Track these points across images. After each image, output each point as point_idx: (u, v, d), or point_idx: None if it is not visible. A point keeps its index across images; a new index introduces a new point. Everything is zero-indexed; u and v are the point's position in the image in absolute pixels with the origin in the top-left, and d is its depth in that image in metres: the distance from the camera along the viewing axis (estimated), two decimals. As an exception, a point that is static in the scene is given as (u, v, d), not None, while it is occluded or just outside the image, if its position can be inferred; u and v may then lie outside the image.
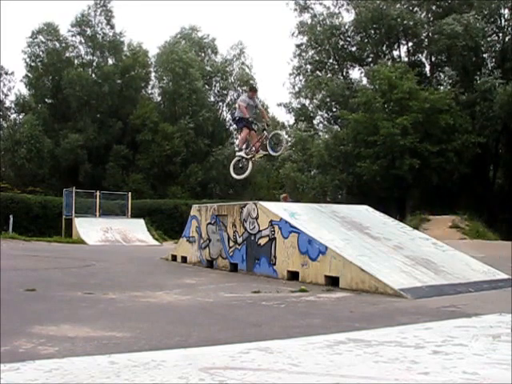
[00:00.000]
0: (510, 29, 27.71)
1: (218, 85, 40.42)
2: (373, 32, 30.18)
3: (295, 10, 31.29)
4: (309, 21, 31.36)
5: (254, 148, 10.81)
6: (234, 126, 11.98)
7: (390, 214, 11.64)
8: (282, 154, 10.74)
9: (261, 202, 9.72)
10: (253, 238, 9.37)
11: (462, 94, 25.49)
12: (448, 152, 24.06)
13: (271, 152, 10.60)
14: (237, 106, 11.03)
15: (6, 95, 37.14)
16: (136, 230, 21.56)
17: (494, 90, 24.04)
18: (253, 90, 11.24)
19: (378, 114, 24.82)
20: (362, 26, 29.74)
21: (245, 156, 10.82)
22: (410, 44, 30.44)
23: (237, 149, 11.13)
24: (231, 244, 9.96)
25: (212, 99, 40.09)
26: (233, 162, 11.32)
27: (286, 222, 8.69)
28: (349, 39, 31.71)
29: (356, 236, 8.69)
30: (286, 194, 19.21)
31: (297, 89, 32.70)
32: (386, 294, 6.67)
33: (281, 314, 5.46)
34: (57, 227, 21.76)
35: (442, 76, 29.37)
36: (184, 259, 11.64)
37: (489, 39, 27.39)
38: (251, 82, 13.29)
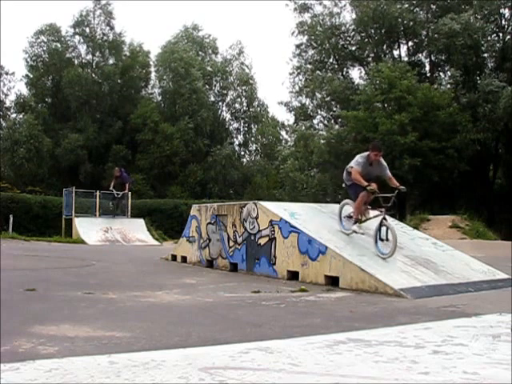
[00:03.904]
0: (510, 28, 27.71)
1: (218, 85, 40.47)
2: (373, 31, 30.18)
3: (295, 9, 31.28)
4: (309, 21, 31.35)
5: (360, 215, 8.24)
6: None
7: (390, 214, 11.62)
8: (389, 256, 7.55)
9: (261, 202, 9.71)
10: (253, 237, 9.38)
11: (463, 95, 25.47)
12: (448, 149, 24.04)
13: (377, 248, 7.73)
14: (349, 169, 8.25)
15: (6, 95, 37.22)
16: (136, 230, 21.51)
17: (499, 92, 23.93)
18: (376, 150, 8.02)
19: (378, 113, 24.81)
20: (363, 25, 29.73)
21: (357, 230, 8.14)
22: (410, 44, 30.45)
23: (352, 215, 8.29)
24: (231, 244, 9.96)
25: (212, 99, 40.12)
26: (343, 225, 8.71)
27: (286, 221, 8.69)
28: (349, 39, 31.70)
29: (356, 236, 8.68)
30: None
31: (297, 88, 32.68)
32: (386, 293, 6.67)
33: (281, 313, 5.46)
34: (57, 227, 21.73)
35: (443, 75, 29.38)
36: (184, 259, 11.64)
37: (489, 38, 27.38)
38: (374, 143, 8.51)
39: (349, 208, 8.46)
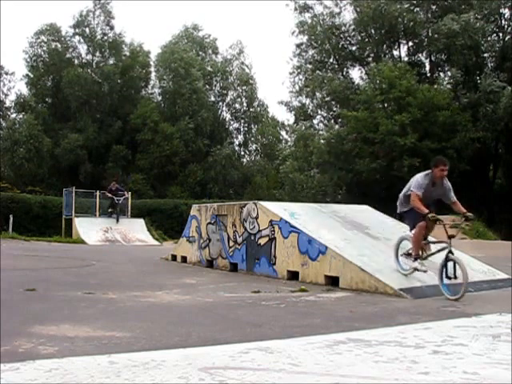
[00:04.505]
0: (510, 28, 27.72)
1: (218, 85, 40.47)
2: (373, 31, 30.19)
3: (295, 9, 31.28)
4: (309, 20, 31.35)
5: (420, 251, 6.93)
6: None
7: (390, 214, 11.62)
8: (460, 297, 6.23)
9: (261, 202, 9.72)
10: (253, 237, 9.38)
11: (463, 95, 25.49)
12: (448, 149, 24.05)
13: (443, 288, 6.46)
14: (408, 192, 6.94)
15: (6, 95, 37.23)
16: (136, 230, 21.53)
17: (499, 92, 23.91)
18: (442, 164, 6.76)
19: (378, 113, 24.83)
20: (363, 25, 29.74)
21: (418, 268, 6.88)
22: (410, 44, 30.46)
23: (411, 252, 7.02)
24: (231, 244, 9.96)
25: (212, 99, 40.14)
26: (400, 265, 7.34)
27: (286, 221, 8.70)
28: (349, 39, 31.70)
29: (356, 236, 8.69)
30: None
31: (297, 88, 32.67)
32: (386, 293, 6.68)
33: (281, 313, 5.46)
34: (57, 227, 21.75)
35: (443, 75, 29.38)
36: (184, 259, 11.64)
37: (489, 39, 27.39)
38: (439, 158, 7.34)
39: (408, 244, 7.21)
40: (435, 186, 6.81)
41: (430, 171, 6.82)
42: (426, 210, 6.51)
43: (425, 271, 6.88)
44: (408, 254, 7.10)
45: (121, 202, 21.92)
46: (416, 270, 6.91)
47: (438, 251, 6.78)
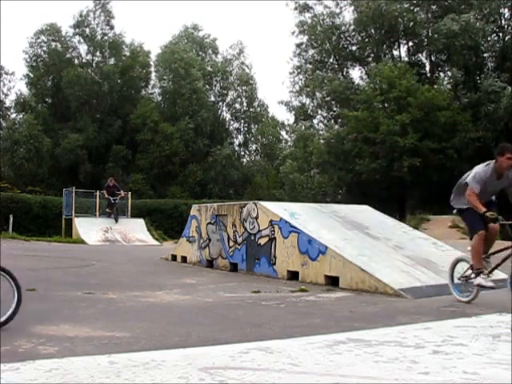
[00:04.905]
0: (510, 28, 27.72)
1: (218, 85, 40.49)
2: (373, 31, 30.19)
3: (295, 9, 31.31)
4: (309, 20, 31.36)
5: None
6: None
7: (390, 214, 11.63)
8: None
9: (261, 202, 9.72)
10: (253, 237, 9.38)
11: (464, 95, 25.49)
12: (448, 149, 24.06)
13: None
14: (463, 180, 6.01)
15: (6, 95, 37.26)
16: (136, 230, 21.50)
17: (501, 92, 23.91)
18: (508, 152, 5.68)
19: (378, 113, 24.84)
20: (363, 25, 29.74)
21: (484, 284, 5.79)
22: (410, 44, 30.47)
23: (469, 275, 6.04)
24: (231, 244, 9.97)
25: (212, 99, 40.14)
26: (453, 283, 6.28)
27: (286, 221, 8.70)
28: (349, 39, 31.71)
29: (356, 236, 8.69)
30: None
31: (297, 87, 32.68)
32: (386, 293, 6.68)
33: (281, 313, 5.46)
34: (57, 227, 21.74)
35: (442, 75, 29.39)
36: (184, 259, 11.65)
37: (489, 39, 27.39)
38: (505, 144, 5.87)
39: (465, 266, 6.14)
40: (501, 179, 5.81)
41: (492, 161, 5.83)
42: (484, 209, 5.57)
43: (492, 287, 5.82)
44: (467, 277, 6.04)
45: (117, 202, 21.80)
46: (481, 287, 5.81)
47: (503, 261, 5.80)
